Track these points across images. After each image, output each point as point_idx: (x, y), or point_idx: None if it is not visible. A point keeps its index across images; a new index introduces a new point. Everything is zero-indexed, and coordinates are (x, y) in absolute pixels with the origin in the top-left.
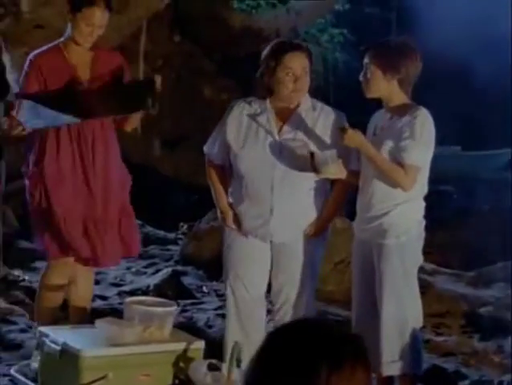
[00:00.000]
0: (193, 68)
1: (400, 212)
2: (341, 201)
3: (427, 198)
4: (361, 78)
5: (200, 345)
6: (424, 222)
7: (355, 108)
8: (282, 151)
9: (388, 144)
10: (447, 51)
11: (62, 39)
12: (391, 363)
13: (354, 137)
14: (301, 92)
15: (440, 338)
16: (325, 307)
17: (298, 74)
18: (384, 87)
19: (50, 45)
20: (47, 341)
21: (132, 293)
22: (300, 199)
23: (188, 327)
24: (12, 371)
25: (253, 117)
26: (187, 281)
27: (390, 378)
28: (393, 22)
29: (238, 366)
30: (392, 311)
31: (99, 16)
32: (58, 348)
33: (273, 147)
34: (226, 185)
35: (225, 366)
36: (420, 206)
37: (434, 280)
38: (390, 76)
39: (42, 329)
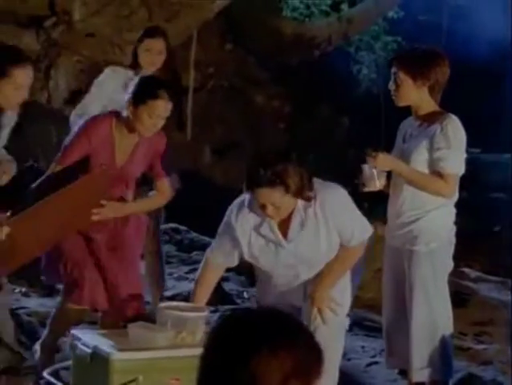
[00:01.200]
0: (245, 76)
1: (431, 219)
2: (348, 266)
3: (476, 205)
4: (390, 87)
5: None
6: (454, 228)
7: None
8: (296, 256)
9: (421, 153)
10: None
11: (116, 115)
12: (421, 370)
13: (385, 161)
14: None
15: (480, 347)
16: (365, 314)
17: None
18: (414, 94)
19: (102, 114)
20: (79, 344)
21: (173, 298)
22: None
23: None
24: (45, 374)
25: (257, 230)
26: (228, 286)
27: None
28: (445, 29)
29: None
30: (423, 318)
31: (162, 107)
32: (89, 351)
33: (286, 255)
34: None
35: None
36: (451, 212)
37: (478, 287)
38: (420, 83)
39: (75, 332)
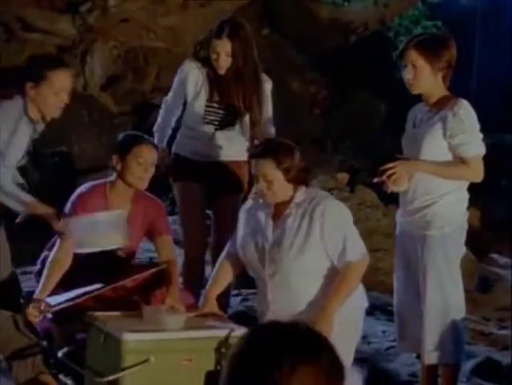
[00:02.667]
0: (282, 61)
1: (444, 204)
2: (350, 288)
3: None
4: (405, 76)
5: (242, 332)
6: (467, 214)
7: None
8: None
9: (434, 137)
10: None
11: (108, 180)
12: (432, 352)
13: (406, 168)
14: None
15: (502, 332)
16: (387, 298)
17: None
18: (431, 81)
19: (97, 183)
20: (94, 325)
21: None
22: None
23: (248, 316)
24: (60, 355)
25: (253, 212)
26: None
27: (434, 367)
28: (485, 14)
29: None
30: (435, 301)
31: (148, 152)
32: (103, 332)
33: (269, 243)
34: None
35: None
36: (465, 197)
37: (507, 273)
38: (437, 69)
39: (90, 314)
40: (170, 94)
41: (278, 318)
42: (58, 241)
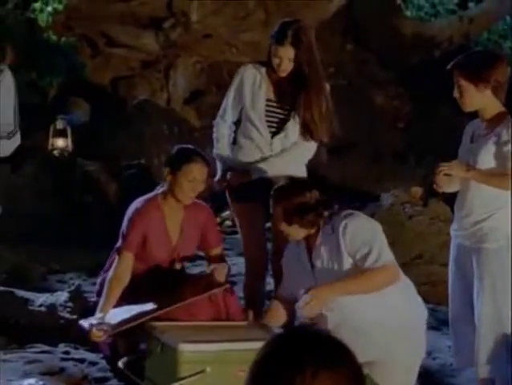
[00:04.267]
0: (365, 76)
1: (501, 217)
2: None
3: None
4: (455, 95)
5: None
6: None
7: None
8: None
9: (488, 152)
10: None
11: (159, 192)
12: (486, 366)
13: (460, 169)
14: None
15: None
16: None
17: None
18: (479, 99)
19: (150, 196)
20: (151, 335)
21: None
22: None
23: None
24: (120, 364)
25: (294, 247)
26: None
27: (490, 382)
28: None
29: None
30: (489, 314)
31: (197, 170)
32: (160, 342)
33: (308, 278)
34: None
35: None
36: None
37: None
38: (482, 87)
39: (149, 324)
40: (222, 111)
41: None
42: (117, 258)
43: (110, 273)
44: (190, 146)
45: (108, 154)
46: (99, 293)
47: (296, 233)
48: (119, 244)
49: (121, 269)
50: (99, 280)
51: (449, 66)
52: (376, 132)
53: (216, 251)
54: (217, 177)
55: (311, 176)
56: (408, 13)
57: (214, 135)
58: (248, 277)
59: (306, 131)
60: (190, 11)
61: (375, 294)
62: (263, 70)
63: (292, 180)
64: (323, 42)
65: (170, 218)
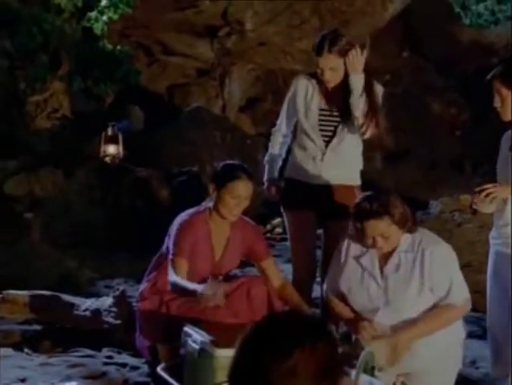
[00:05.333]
0: (422, 83)
1: None
2: (438, 323)
3: None
4: (495, 104)
5: None
6: None
7: None
8: (384, 295)
9: None
10: None
11: (207, 206)
12: None
13: (503, 192)
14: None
15: None
16: None
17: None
18: None
19: (198, 210)
20: (189, 340)
21: None
22: None
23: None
24: (159, 369)
25: (357, 260)
26: None
27: None
28: None
29: (372, 374)
30: None
31: (242, 187)
32: (197, 347)
33: (377, 291)
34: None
35: (353, 373)
36: None
37: None
38: None
39: (187, 329)
40: (279, 120)
41: None
42: (170, 267)
43: (170, 279)
44: (235, 162)
45: (161, 161)
46: (141, 298)
47: (395, 239)
48: (170, 253)
49: (180, 274)
50: (141, 287)
51: (488, 76)
52: (433, 140)
53: (266, 263)
54: (265, 185)
55: (365, 183)
56: (468, 20)
57: (270, 143)
58: (294, 284)
59: (359, 138)
60: (245, 20)
61: None
62: (315, 80)
63: (379, 190)
64: (379, 50)
65: (216, 234)
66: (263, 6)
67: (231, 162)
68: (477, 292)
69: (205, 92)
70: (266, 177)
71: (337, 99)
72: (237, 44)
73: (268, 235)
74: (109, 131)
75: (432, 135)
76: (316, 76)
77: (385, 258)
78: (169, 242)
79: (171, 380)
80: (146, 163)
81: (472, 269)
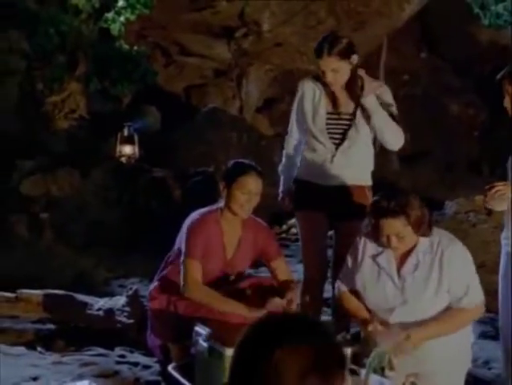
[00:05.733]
0: (440, 84)
1: None
2: (454, 325)
3: None
4: (505, 104)
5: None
6: None
7: None
8: (402, 294)
9: None
10: None
11: (218, 206)
12: None
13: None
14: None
15: None
16: None
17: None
18: None
19: (209, 209)
20: (200, 340)
21: None
22: None
23: None
24: (169, 368)
25: (374, 259)
26: None
27: None
28: None
29: (382, 374)
30: None
31: (252, 182)
32: (207, 346)
33: (393, 291)
34: None
35: (363, 372)
36: None
37: None
38: None
39: (197, 328)
40: (290, 126)
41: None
42: (183, 269)
43: (193, 291)
44: (245, 160)
45: (177, 161)
46: (150, 298)
47: (410, 241)
48: (182, 254)
49: (192, 277)
50: (151, 286)
51: (498, 76)
52: (451, 141)
53: (276, 263)
54: (280, 196)
55: (382, 184)
56: (487, 21)
57: (283, 151)
58: (305, 284)
59: (368, 138)
60: (262, 20)
61: None
62: (321, 83)
63: (399, 190)
64: (396, 51)
65: (227, 233)
66: (279, 7)
67: (241, 160)
68: (491, 292)
69: (222, 93)
70: (280, 188)
71: (344, 101)
72: (254, 45)
73: (284, 235)
74: (125, 132)
75: (450, 136)
76: (323, 81)
77: (402, 258)
78: (181, 243)
79: (182, 379)
80: (162, 163)
81: (486, 269)
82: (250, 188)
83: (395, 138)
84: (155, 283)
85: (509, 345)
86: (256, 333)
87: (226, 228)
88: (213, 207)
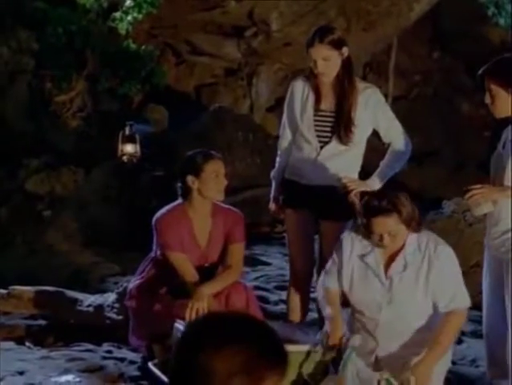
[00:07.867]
0: (451, 83)
1: None
2: (452, 336)
3: None
4: (486, 100)
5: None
6: None
7: None
8: (390, 295)
9: None
10: None
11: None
12: None
13: (491, 193)
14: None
15: None
16: None
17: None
18: (510, 104)
19: (174, 204)
20: (179, 335)
21: None
22: (408, 338)
23: None
24: (149, 365)
25: (362, 258)
26: None
27: None
28: None
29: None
30: None
31: (218, 164)
32: None
33: (381, 291)
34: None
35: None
36: None
37: None
38: None
39: (177, 324)
40: (281, 128)
41: (385, 355)
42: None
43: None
44: (196, 150)
45: (179, 160)
46: (130, 296)
47: (401, 238)
48: (158, 252)
49: (183, 266)
50: (130, 285)
51: (479, 72)
52: (461, 141)
53: (234, 247)
54: (270, 203)
55: (390, 183)
56: (502, 20)
57: (278, 158)
58: (291, 282)
59: (349, 135)
60: (271, 20)
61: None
62: (311, 82)
63: (388, 188)
64: (408, 50)
65: (198, 223)
66: (289, 7)
67: (193, 151)
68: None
69: (233, 92)
70: (271, 194)
71: (332, 97)
72: (264, 44)
73: (284, 235)
74: (127, 131)
75: (460, 136)
76: (313, 78)
77: (390, 258)
78: (156, 240)
79: (161, 375)
80: (166, 162)
81: (480, 269)
82: (219, 171)
83: (405, 159)
84: (135, 282)
85: (492, 348)
86: (184, 337)
87: (196, 219)
88: (177, 202)
